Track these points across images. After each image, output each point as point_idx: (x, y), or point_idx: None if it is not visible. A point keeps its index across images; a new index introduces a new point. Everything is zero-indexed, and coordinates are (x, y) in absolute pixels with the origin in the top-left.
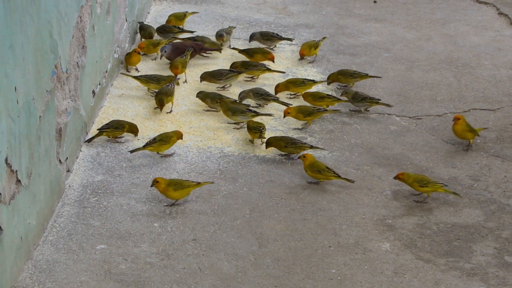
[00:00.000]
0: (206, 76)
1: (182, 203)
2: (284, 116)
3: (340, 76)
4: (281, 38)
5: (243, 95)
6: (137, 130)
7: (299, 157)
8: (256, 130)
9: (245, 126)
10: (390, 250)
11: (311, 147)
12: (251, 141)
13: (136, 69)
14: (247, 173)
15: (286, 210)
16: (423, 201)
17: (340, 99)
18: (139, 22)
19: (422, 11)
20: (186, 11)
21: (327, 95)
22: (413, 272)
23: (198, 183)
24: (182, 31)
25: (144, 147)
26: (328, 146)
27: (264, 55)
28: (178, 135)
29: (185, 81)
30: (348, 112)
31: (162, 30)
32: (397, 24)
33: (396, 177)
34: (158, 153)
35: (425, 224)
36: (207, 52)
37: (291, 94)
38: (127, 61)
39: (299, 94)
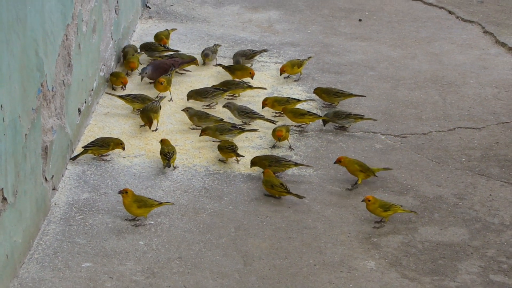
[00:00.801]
0: (193, 95)
1: (167, 221)
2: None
3: (324, 95)
4: (259, 52)
5: (228, 106)
6: (123, 143)
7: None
8: (229, 149)
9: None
10: (375, 269)
11: (296, 164)
12: (224, 161)
13: (122, 87)
14: (232, 191)
15: (271, 229)
16: (381, 226)
17: (321, 116)
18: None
19: (407, 30)
20: (166, 29)
21: (308, 111)
22: None
23: (160, 203)
24: (168, 49)
25: (169, 161)
26: (313, 164)
27: (244, 72)
28: None
29: (171, 99)
30: (333, 130)
31: (147, 48)
32: (382, 42)
33: (364, 200)
34: (173, 165)
35: (410, 243)
36: (185, 69)
37: (276, 113)
38: (112, 81)
39: (283, 112)
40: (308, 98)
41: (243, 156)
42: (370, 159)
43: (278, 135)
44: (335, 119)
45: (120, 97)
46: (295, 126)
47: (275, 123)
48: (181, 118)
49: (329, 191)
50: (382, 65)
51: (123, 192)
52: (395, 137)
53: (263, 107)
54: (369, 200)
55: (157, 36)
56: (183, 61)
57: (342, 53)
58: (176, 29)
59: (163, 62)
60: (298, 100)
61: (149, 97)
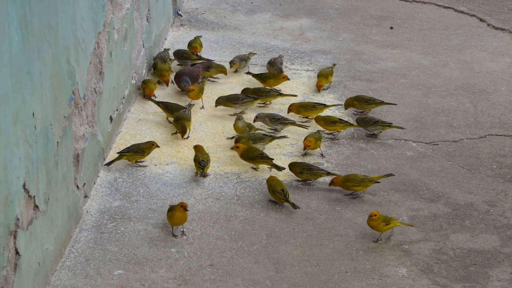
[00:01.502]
0: (222, 101)
1: (199, 228)
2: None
3: (356, 102)
4: (279, 57)
5: (258, 116)
6: (155, 143)
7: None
8: (267, 159)
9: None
10: (407, 275)
11: (328, 173)
12: (255, 169)
13: (154, 95)
14: (263, 198)
15: (302, 236)
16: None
17: (352, 124)
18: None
19: (438, 37)
20: (195, 37)
21: (339, 119)
22: None
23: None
24: (200, 58)
25: (203, 169)
26: (344, 172)
27: (277, 79)
28: None
29: (202, 107)
30: (365, 138)
31: (179, 55)
32: (413, 50)
33: (369, 218)
34: (205, 173)
35: (442, 250)
36: (215, 77)
37: (303, 118)
38: (143, 88)
39: (311, 118)
40: (335, 103)
41: (284, 168)
42: (402, 167)
43: (305, 145)
44: (364, 126)
45: (157, 103)
46: (326, 133)
47: (307, 128)
48: (213, 126)
49: (361, 198)
50: (413, 73)
51: (185, 208)
52: (426, 144)
53: (288, 112)
54: (374, 219)
55: (190, 45)
56: (204, 66)
57: (374, 61)
58: (201, 35)
59: (191, 71)
60: (325, 106)
61: (181, 106)
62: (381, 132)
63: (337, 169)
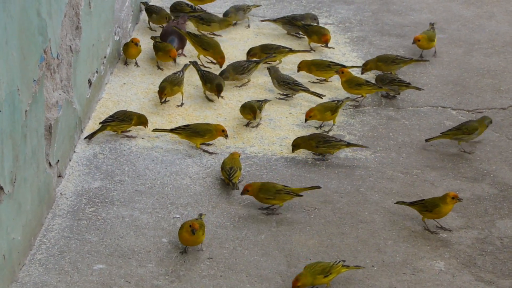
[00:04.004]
0: (230, 71)
1: (195, 214)
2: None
3: (381, 64)
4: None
5: (269, 69)
6: (147, 121)
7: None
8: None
9: (261, 122)
10: (445, 270)
11: (348, 144)
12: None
13: (136, 64)
14: (273, 178)
15: (320, 223)
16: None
17: (380, 88)
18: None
19: None
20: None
21: (366, 81)
22: None
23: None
24: (194, 10)
25: (231, 180)
26: (370, 145)
27: (319, 37)
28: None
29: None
30: (394, 105)
31: (173, 8)
32: None
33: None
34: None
35: (487, 239)
36: (215, 34)
37: (317, 79)
38: (125, 52)
39: (325, 79)
40: (357, 65)
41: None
42: (439, 139)
43: (306, 114)
44: (380, 84)
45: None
46: (349, 100)
47: (321, 97)
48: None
49: (389, 178)
50: (453, 27)
51: (195, 231)
52: (468, 112)
53: (298, 71)
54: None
55: None
56: (184, 17)
57: (405, 12)
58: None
59: (176, 31)
60: (342, 66)
61: (216, 76)
62: (399, 93)
63: (362, 142)
